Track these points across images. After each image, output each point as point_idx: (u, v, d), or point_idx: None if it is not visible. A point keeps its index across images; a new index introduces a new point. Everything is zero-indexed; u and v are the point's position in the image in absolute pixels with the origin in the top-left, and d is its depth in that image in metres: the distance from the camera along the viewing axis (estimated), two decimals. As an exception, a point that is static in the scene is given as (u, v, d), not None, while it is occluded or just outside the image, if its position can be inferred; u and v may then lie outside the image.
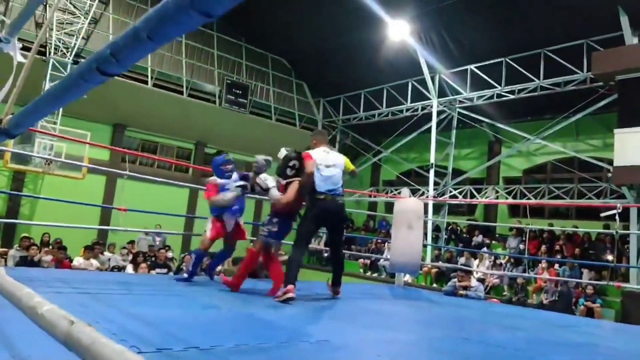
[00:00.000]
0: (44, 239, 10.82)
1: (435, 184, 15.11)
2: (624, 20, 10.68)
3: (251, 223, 11.31)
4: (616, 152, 10.47)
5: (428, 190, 14.88)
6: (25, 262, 8.03)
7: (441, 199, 14.97)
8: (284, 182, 4.06)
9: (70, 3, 12.57)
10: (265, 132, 17.26)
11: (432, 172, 14.82)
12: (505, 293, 11.12)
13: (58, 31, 12.44)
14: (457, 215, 16.47)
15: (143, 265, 8.56)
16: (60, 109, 11.42)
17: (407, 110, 16.13)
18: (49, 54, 12.23)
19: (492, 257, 11.97)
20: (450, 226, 15.23)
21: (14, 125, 1.50)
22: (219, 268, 6.18)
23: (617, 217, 5.47)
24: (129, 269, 8.86)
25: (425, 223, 11.22)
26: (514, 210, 15.33)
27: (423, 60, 14.54)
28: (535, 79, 12.88)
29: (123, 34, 0.83)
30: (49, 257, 8.46)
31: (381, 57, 14.98)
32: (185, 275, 4.57)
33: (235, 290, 3.94)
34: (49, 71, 12.02)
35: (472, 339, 3.07)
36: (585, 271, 10.46)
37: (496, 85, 13.65)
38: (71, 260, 8.76)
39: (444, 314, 4.50)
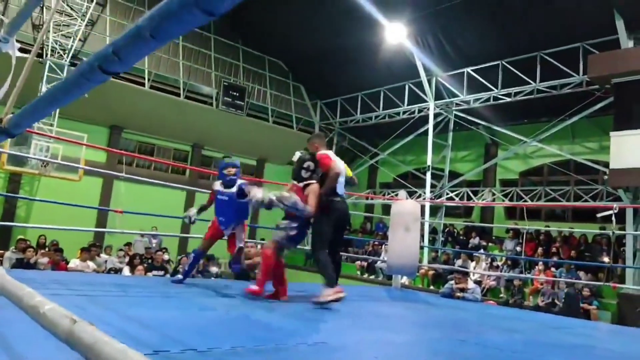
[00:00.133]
0: (40, 241, 10.78)
1: (432, 186, 15.13)
2: (620, 24, 10.74)
3: (249, 225, 11.27)
4: (612, 155, 10.52)
5: (425, 193, 14.90)
6: (21, 264, 8.00)
7: (438, 201, 14.99)
8: (301, 184, 4.00)
9: (67, 5, 12.54)
10: (262, 135, 17.27)
11: (428, 174, 14.85)
12: (502, 295, 11.13)
13: (55, 33, 12.40)
14: (454, 217, 16.49)
15: (140, 267, 8.54)
16: (57, 111, 11.39)
17: (404, 112, 16.16)
18: (46, 56, 12.20)
19: (489, 259, 11.99)
20: (447, 228, 15.24)
21: (14, 124, 1.50)
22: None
23: (613, 217, 5.49)
24: (126, 271, 8.82)
25: (422, 225, 11.22)
26: (511, 213, 15.36)
27: (420, 63, 14.58)
28: (531, 82, 12.93)
29: (125, 32, 0.83)
30: (45, 259, 8.42)
31: (378, 60, 15.00)
32: (181, 276, 4.56)
33: (260, 295, 3.84)
34: (46, 73, 11.98)
35: (469, 341, 3.08)
36: (581, 273, 10.50)
37: (493, 88, 13.70)
38: (67, 263, 8.73)
39: (441, 315, 4.51)
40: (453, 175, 16.02)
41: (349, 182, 4.35)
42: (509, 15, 12.49)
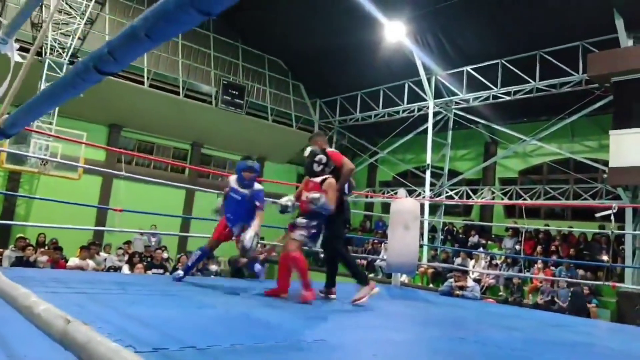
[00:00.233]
0: (39, 239, 10.78)
1: (432, 184, 15.13)
2: (619, 23, 10.74)
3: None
4: (611, 153, 10.53)
5: (424, 191, 14.91)
6: (20, 262, 8.01)
7: (437, 199, 15.00)
8: (318, 180, 3.96)
9: (67, 3, 12.51)
10: (262, 133, 17.26)
11: (428, 173, 14.86)
12: (501, 293, 11.15)
13: (54, 31, 12.38)
14: (453, 215, 16.50)
15: (139, 265, 8.54)
16: (56, 109, 11.38)
17: (404, 111, 16.17)
18: (45, 55, 12.17)
19: (488, 258, 12.00)
20: (447, 227, 15.26)
21: (10, 124, 1.50)
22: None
23: (612, 217, 5.50)
24: (125, 269, 8.83)
25: (422, 223, 11.23)
26: (510, 211, 15.36)
27: (419, 62, 14.58)
28: (531, 80, 12.94)
29: (121, 32, 0.83)
30: (44, 258, 8.43)
31: (378, 59, 15.00)
32: (181, 272, 4.57)
33: (314, 300, 3.79)
34: (45, 71, 11.96)
35: (468, 339, 3.08)
36: (580, 271, 10.51)
37: (492, 86, 13.70)
38: (67, 261, 8.73)
39: (440, 314, 4.51)
40: (452, 173, 16.02)
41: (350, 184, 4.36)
42: (508, 14, 12.48)
